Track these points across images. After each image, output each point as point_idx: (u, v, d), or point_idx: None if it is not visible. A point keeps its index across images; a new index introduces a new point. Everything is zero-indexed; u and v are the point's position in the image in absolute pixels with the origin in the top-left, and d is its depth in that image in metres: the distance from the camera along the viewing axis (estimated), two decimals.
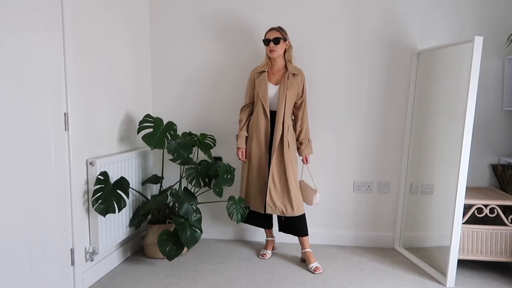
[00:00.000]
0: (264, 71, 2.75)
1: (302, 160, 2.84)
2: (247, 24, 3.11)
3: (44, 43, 1.99)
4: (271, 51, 2.69)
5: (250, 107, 2.84)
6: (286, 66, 2.76)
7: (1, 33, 1.73)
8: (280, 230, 2.88)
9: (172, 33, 3.20)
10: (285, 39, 2.71)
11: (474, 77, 2.35)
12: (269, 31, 2.73)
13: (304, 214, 2.74)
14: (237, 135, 2.87)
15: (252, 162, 2.78)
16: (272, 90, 2.72)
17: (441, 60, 2.78)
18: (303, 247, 2.77)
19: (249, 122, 2.84)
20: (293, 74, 2.72)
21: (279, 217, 2.86)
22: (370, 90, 3.04)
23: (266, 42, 2.70)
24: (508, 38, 2.83)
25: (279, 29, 2.72)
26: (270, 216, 2.90)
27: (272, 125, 2.72)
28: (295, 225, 2.75)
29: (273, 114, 2.72)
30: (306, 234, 2.76)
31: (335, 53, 3.04)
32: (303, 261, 2.80)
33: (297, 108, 2.77)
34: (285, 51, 2.74)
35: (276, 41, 2.67)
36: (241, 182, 2.90)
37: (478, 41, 2.33)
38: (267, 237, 2.97)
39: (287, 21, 2.95)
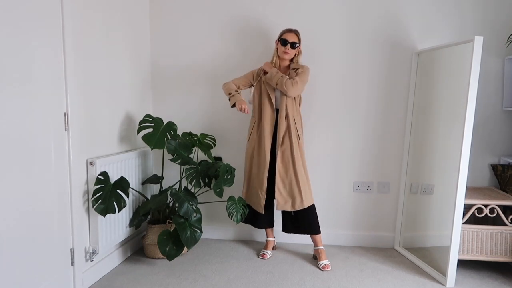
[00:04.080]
0: None
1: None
2: (249, 24, 3.11)
3: (44, 43, 1.99)
4: (285, 52, 2.66)
5: (238, 86, 2.78)
6: (289, 66, 2.76)
7: (1, 33, 1.73)
8: (284, 230, 2.85)
9: (172, 33, 3.20)
10: (299, 45, 2.70)
11: (474, 77, 2.35)
12: (288, 32, 2.68)
13: (314, 211, 2.74)
14: (229, 94, 2.72)
15: (256, 160, 2.76)
16: None
17: (441, 60, 2.78)
18: (315, 244, 2.78)
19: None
20: (295, 70, 2.70)
21: (284, 216, 2.84)
22: (370, 90, 3.04)
23: (284, 42, 2.65)
24: (508, 38, 2.83)
25: (298, 34, 2.70)
26: (272, 214, 2.89)
27: (276, 121, 2.71)
28: (305, 222, 2.73)
29: (276, 110, 2.71)
30: (318, 232, 2.76)
31: (335, 53, 3.04)
32: (315, 258, 2.80)
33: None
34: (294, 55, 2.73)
35: (293, 45, 2.66)
36: (244, 181, 2.90)
37: (478, 41, 2.33)
38: (267, 237, 2.97)
39: (287, 21, 2.96)
